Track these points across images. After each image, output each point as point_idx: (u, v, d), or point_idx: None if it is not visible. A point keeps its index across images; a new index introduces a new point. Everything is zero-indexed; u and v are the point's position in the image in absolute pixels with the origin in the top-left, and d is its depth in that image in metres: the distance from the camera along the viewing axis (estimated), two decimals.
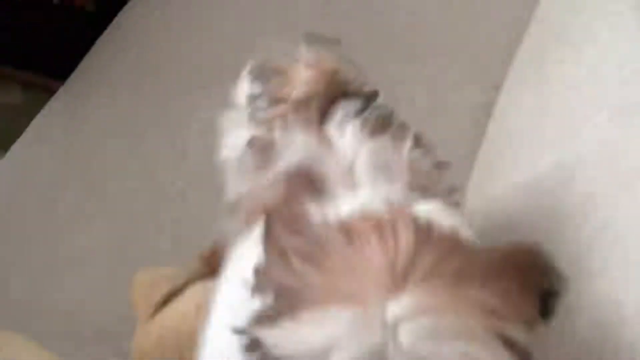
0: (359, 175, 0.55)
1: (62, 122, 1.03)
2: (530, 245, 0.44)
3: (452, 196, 0.61)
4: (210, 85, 0.98)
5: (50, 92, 1.10)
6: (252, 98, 0.67)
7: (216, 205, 0.67)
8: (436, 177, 0.61)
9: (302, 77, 0.64)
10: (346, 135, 0.58)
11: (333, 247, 0.40)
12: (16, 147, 0.99)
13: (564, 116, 0.79)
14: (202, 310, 0.60)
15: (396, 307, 0.36)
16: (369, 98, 0.64)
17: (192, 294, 0.70)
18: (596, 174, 0.67)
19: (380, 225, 0.40)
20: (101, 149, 0.99)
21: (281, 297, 0.39)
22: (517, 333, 0.38)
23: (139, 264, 0.76)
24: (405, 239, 0.39)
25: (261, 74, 0.68)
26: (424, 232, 0.40)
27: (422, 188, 0.55)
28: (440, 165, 0.62)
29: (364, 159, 0.56)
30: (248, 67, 0.69)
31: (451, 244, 0.41)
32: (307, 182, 0.55)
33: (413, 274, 0.37)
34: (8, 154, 0.97)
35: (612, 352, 0.56)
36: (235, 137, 0.67)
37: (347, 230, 0.41)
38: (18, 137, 1.01)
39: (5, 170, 0.97)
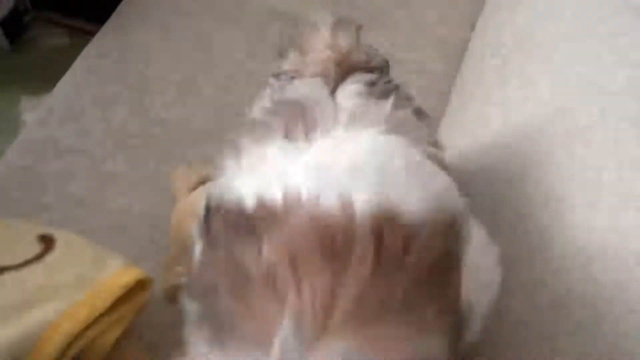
0: (339, 120, 0.58)
1: (100, 61, 1.16)
2: None
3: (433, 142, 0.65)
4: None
5: (92, 35, 1.20)
6: (275, 75, 0.76)
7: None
8: (415, 124, 0.65)
9: (318, 57, 0.71)
10: (346, 94, 0.63)
11: (260, 279, 0.41)
12: (62, 83, 1.11)
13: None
14: None
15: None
16: (382, 70, 0.72)
17: None
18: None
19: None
20: (137, 80, 1.12)
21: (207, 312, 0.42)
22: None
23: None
24: (327, 276, 0.39)
25: (283, 55, 0.77)
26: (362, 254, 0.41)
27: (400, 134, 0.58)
28: (420, 113, 0.68)
29: (349, 107, 0.60)
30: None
31: (393, 253, 0.42)
32: (298, 117, 0.59)
33: (330, 321, 0.38)
34: (55, 89, 1.10)
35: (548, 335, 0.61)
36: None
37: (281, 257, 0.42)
38: None
39: (54, 102, 1.10)
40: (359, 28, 0.75)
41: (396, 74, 0.75)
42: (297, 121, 0.58)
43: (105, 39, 1.16)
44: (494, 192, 0.80)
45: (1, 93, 1.41)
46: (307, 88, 0.67)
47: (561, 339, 0.60)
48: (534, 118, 0.82)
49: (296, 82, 0.70)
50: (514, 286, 0.66)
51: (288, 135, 0.58)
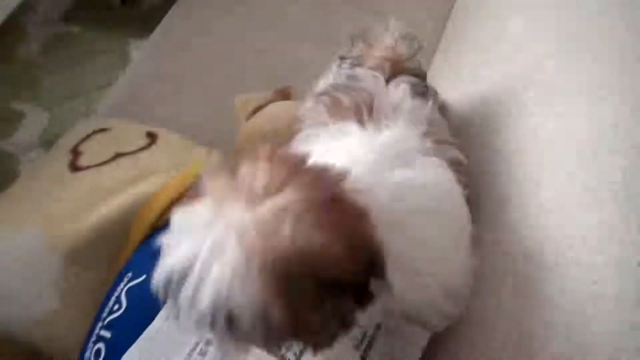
0: (395, 117, 0.72)
1: (184, 17, 1.41)
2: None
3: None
4: None
5: None
6: (342, 58, 0.93)
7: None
8: (442, 123, 0.80)
9: (380, 53, 0.87)
10: (399, 91, 0.77)
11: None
12: (158, 30, 1.40)
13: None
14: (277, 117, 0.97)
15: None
16: (422, 78, 0.88)
17: (271, 107, 1.06)
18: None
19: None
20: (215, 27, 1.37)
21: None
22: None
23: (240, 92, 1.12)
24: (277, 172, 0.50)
25: (353, 43, 0.92)
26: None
27: (434, 138, 0.72)
28: (444, 109, 0.84)
29: (397, 103, 0.74)
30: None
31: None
32: (363, 104, 0.74)
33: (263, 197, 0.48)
34: (152, 34, 1.40)
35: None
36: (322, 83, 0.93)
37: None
38: None
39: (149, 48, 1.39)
40: (420, 47, 0.90)
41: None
42: (362, 107, 0.72)
43: (185, 3, 1.43)
44: (472, 138, 0.89)
45: (115, 36, 1.79)
46: (371, 80, 0.80)
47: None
48: (510, 79, 0.90)
49: (361, 71, 0.83)
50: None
51: (357, 117, 0.71)
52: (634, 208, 0.56)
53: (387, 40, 0.89)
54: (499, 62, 0.97)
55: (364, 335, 0.68)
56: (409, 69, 0.86)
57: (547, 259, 0.62)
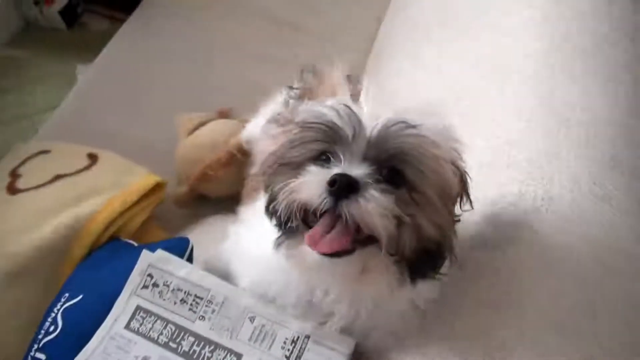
0: None
1: (129, 42, 1.46)
2: None
3: None
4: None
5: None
6: (290, 88, 0.99)
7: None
8: None
9: (326, 90, 0.91)
10: None
11: None
12: (103, 54, 1.44)
13: None
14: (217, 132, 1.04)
15: None
16: None
17: (212, 124, 1.12)
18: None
19: None
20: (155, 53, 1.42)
21: None
22: None
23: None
24: None
25: (303, 75, 0.98)
26: None
27: None
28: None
29: None
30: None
31: None
32: None
33: None
34: (97, 59, 1.44)
35: None
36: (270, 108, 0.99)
37: None
38: None
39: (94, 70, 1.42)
40: (362, 88, 0.95)
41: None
42: None
43: (132, 25, 1.49)
44: None
45: (62, 60, 1.81)
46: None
47: None
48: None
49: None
50: None
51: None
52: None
53: (334, 78, 0.94)
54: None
55: (294, 344, 0.71)
56: None
57: None
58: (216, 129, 1.09)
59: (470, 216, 0.72)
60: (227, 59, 1.39)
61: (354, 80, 0.95)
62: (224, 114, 1.13)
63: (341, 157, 0.59)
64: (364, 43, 1.46)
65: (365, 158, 0.58)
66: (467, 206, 0.64)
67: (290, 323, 0.72)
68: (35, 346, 0.80)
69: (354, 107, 0.59)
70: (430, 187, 0.58)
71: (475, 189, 0.73)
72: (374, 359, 0.71)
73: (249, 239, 0.73)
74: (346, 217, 0.55)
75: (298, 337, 0.71)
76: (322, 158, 0.61)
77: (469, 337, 0.62)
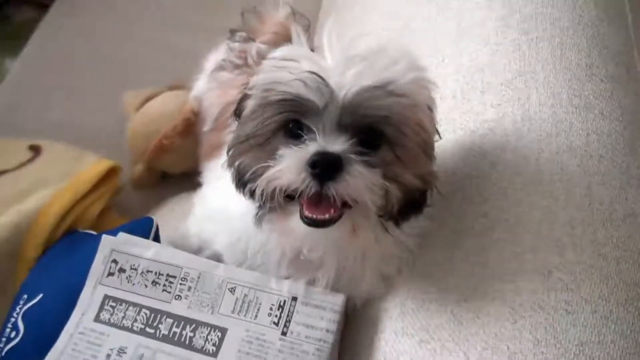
0: None
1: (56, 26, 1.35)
2: None
3: None
4: None
5: None
6: (232, 32, 0.93)
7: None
8: None
9: (270, 29, 0.87)
10: None
11: None
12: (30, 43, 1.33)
13: None
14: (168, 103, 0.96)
15: None
16: None
17: (161, 96, 1.04)
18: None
19: None
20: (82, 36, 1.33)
21: None
22: None
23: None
24: None
25: (243, 17, 0.93)
26: None
27: None
28: None
29: None
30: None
31: None
32: None
33: None
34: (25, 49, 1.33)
35: None
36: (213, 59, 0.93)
37: None
38: None
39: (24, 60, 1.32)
40: (309, 23, 0.92)
41: None
42: None
43: (58, 9, 1.37)
44: None
45: None
46: None
47: None
48: None
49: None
50: None
51: None
52: None
53: (279, 16, 0.90)
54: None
55: (281, 308, 0.66)
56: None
57: None
58: (167, 100, 1.01)
59: (451, 147, 0.68)
60: (162, 31, 1.31)
61: (300, 17, 0.91)
62: (175, 88, 1.05)
63: (314, 129, 0.54)
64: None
65: (340, 125, 0.53)
66: (436, 137, 0.61)
67: (273, 287, 0.67)
68: None
69: (321, 71, 0.53)
70: (412, 141, 0.55)
71: (451, 118, 0.71)
72: (365, 310, 0.67)
73: (216, 198, 0.67)
74: (333, 197, 0.52)
75: (285, 301, 0.67)
76: (291, 127, 0.55)
77: (466, 272, 0.59)
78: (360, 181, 0.51)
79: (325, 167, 0.51)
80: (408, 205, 0.57)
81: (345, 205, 0.54)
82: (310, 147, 0.52)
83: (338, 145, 0.52)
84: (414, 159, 0.55)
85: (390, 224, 0.58)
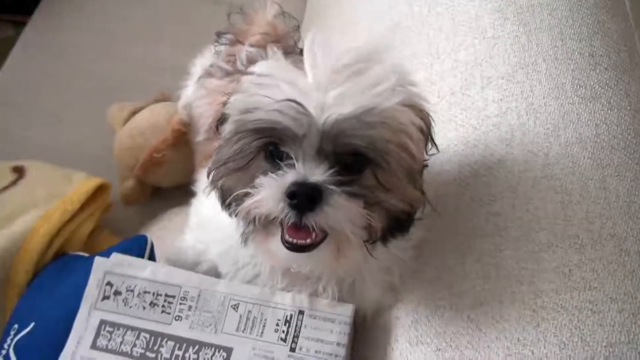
0: None
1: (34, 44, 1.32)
2: None
3: None
4: None
5: None
6: (219, 34, 0.89)
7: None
8: None
9: (258, 30, 0.85)
10: None
11: None
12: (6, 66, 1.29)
13: None
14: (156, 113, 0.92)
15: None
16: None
17: (150, 107, 1.01)
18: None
19: None
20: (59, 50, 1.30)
21: None
22: None
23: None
24: None
25: (229, 18, 0.89)
26: None
27: None
28: None
29: None
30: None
31: None
32: None
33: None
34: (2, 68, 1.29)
35: None
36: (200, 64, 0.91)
37: None
38: None
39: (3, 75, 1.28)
40: (297, 24, 0.90)
41: None
42: None
43: (35, 25, 1.33)
44: None
45: None
46: None
47: None
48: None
49: None
50: None
51: None
52: None
53: (267, 16, 0.87)
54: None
55: (288, 323, 0.63)
56: (287, 48, 0.84)
57: None
58: (155, 112, 0.97)
59: (454, 145, 0.66)
60: (141, 45, 1.28)
61: (288, 17, 0.88)
62: (161, 100, 1.01)
63: (292, 156, 0.51)
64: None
65: (320, 152, 0.50)
66: (433, 150, 0.58)
67: (278, 300, 0.64)
68: None
69: (301, 96, 0.50)
70: (396, 166, 0.52)
71: (451, 116, 0.69)
72: (375, 320, 0.65)
73: (209, 206, 0.64)
74: (313, 227, 0.50)
75: (291, 315, 0.64)
76: (271, 150, 0.53)
77: (479, 275, 0.56)
78: (340, 213, 0.50)
79: (303, 198, 0.49)
80: (392, 228, 0.55)
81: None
82: (288, 177, 0.50)
83: (317, 174, 0.50)
84: (398, 182, 0.53)
85: (377, 244, 0.56)
